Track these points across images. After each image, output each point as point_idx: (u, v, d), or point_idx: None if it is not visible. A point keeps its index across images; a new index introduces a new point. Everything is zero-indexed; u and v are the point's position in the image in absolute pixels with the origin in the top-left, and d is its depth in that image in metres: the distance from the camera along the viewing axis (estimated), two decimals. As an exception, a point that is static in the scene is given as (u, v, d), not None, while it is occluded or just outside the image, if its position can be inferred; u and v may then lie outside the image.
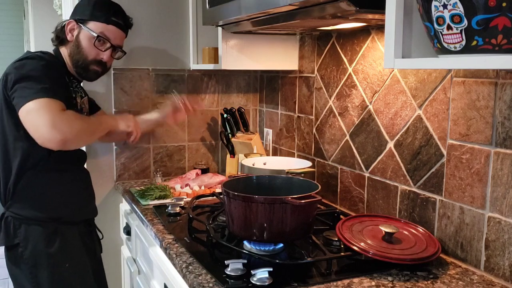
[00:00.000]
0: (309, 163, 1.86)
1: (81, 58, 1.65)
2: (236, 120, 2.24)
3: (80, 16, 1.65)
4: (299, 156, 2.07)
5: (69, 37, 1.66)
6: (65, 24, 1.66)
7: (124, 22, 1.72)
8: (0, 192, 1.60)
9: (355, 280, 1.17)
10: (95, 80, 1.77)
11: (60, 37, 1.68)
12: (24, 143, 1.49)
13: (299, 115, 2.07)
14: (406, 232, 1.36)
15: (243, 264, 1.19)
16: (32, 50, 4.31)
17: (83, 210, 1.74)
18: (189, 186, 2.02)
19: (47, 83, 1.43)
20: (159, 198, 1.89)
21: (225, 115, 2.23)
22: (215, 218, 1.57)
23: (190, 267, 1.25)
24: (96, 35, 1.63)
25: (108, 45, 1.66)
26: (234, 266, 1.18)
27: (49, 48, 1.73)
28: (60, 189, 1.63)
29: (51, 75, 1.48)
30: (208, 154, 2.41)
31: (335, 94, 1.81)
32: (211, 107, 2.39)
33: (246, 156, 2.01)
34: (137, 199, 1.89)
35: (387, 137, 1.56)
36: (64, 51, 1.68)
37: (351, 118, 1.73)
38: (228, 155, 2.26)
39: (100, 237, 1.87)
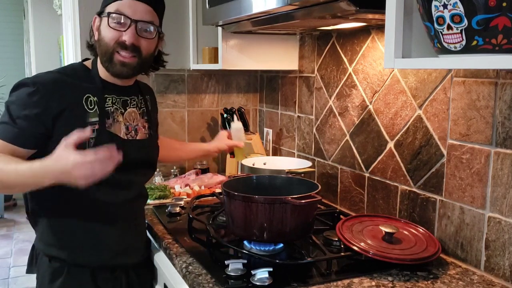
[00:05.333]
0: (309, 163, 1.86)
1: (104, 49, 1.32)
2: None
3: (100, 9, 1.37)
4: (299, 156, 2.07)
5: (96, 36, 1.37)
6: (91, 25, 1.40)
7: None
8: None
9: (355, 280, 1.17)
10: (131, 76, 1.39)
11: (91, 44, 1.41)
12: None
13: (299, 115, 2.07)
14: (406, 232, 1.36)
15: (243, 264, 1.19)
16: (32, 49, 4.32)
17: (95, 256, 1.36)
18: (189, 186, 2.02)
19: (11, 119, 1.23)
20: (159, 198, 1.88)
21: (225, 115, 2.23)
22: (215, 218, 1.57)
23: (190, 267, 1.25)
24: (107, 12, 1.31)
25: (128, 21, 1.29)
26: (234, 266, 1.18)
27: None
28: (61, 226, 1.37)
29: (34, 105, 1.25)
30: (208, 154, 2.41)
31: (335, 94, 1.81)
32: (211, 107, 2.39)
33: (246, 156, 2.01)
34: (137, 199, 1.89)
35: (387, 137, 1.56)
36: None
37: (351, 118, 1.73)
38: (228, 155, 2.26)
39: None
